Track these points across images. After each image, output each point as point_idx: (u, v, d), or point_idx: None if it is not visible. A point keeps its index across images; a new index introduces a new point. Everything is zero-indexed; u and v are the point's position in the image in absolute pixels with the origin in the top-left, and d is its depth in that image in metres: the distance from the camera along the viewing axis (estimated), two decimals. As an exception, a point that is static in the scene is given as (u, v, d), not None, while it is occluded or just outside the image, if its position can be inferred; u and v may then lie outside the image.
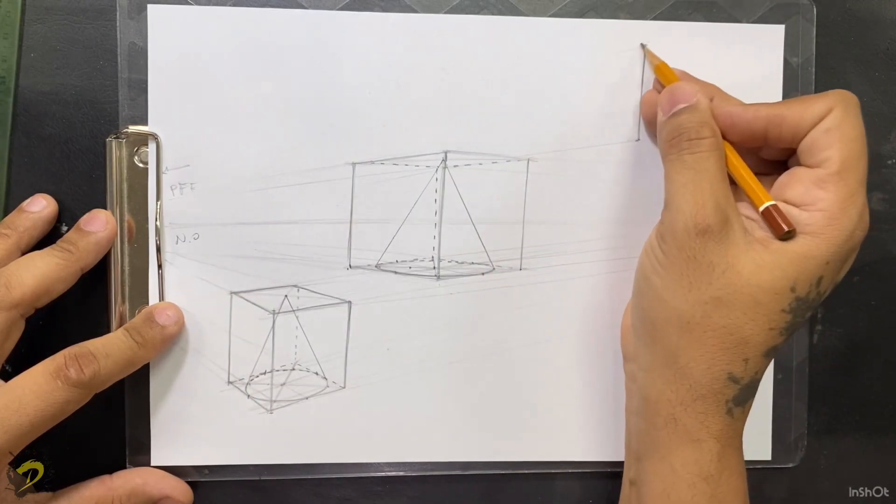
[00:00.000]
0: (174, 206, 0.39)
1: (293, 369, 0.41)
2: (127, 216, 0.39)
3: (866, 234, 0.34)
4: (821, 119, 0.34)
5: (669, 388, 0.35)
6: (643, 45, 0.40)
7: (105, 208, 0.39)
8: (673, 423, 0.35)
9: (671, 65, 0.39)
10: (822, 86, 0.42)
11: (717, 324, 0.33)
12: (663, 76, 0.39)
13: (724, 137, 0.36)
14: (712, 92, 0.37)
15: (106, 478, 0.39)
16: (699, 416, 0.34)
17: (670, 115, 0.36)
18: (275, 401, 0.40)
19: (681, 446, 0.34)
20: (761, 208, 0.34)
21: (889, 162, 0.43)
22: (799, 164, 0.35)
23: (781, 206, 0.34)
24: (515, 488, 0.42)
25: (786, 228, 0.33)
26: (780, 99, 0.41)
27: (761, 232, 0.34)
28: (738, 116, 0.36)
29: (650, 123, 0.40)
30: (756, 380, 0.35)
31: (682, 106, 0.36)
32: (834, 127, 0.34)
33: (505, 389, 0.41)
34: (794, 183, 0.34)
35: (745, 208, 0.35)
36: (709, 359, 0.34)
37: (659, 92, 0.39)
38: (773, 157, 0.37)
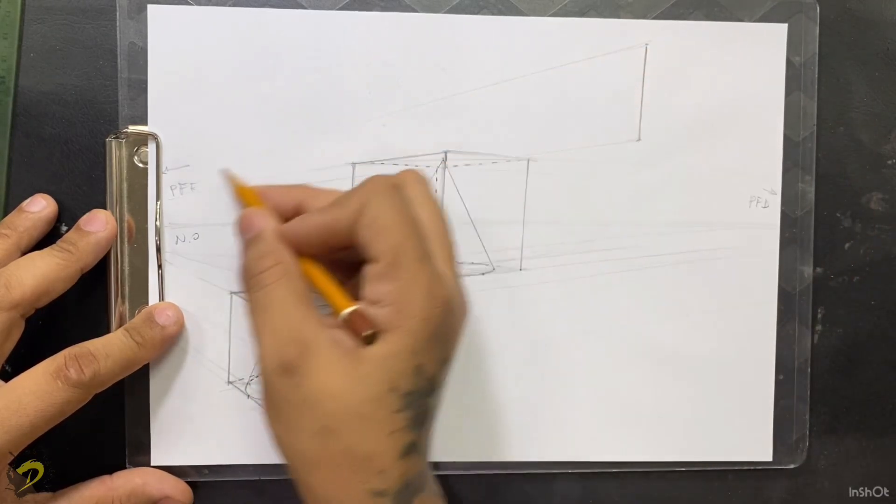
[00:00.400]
0: (174, 206, 0.39)
1: (293, 369, 0.41)
2: (127, 216, 0.39)
3: (447, 306, 0.32)
4: (358, 217, 0.33)
5: None
6: (225, 172, 0.39)
7: (105, 208, 0.39)
8: None
9: (672, 66, 0.39)
10: (822, 86, 0.42)
11: (336, 451, 0.31)
12: (245, 200, 0.37)
13: (304, 253, 0.34)
14: (297, 196, 0.36)
15: (106, 478, 0.39)
16: None
17: (244, 250, 0.35)
18: (275, 401, 0.40)
19: None
20: (340, 316, 0.32)
21: (889, 162, 0.43)
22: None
23: (365, 308, 0.32)
24: (515, 488, 0.42)
25: (363, 333, 0.32)
26: (781, 99, 0.41)
27: (352, 342, 0.32)
28: (295, 236, 0.34)
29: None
30: (408, 479, 0.32)
31: (248, 236, 0.35)
32: (370, 221, 0.32)
33: (505, 389, 0.41)
34: (365, 283, 0.33)
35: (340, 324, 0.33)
36: (346, 487, 0.32)
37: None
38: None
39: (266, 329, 0.33)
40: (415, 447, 0.32)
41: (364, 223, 0.33)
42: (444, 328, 0.32)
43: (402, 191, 0.34)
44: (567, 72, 0.40)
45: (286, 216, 0.36)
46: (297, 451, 0.32)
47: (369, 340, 0.32)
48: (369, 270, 0.33)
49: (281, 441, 0.33)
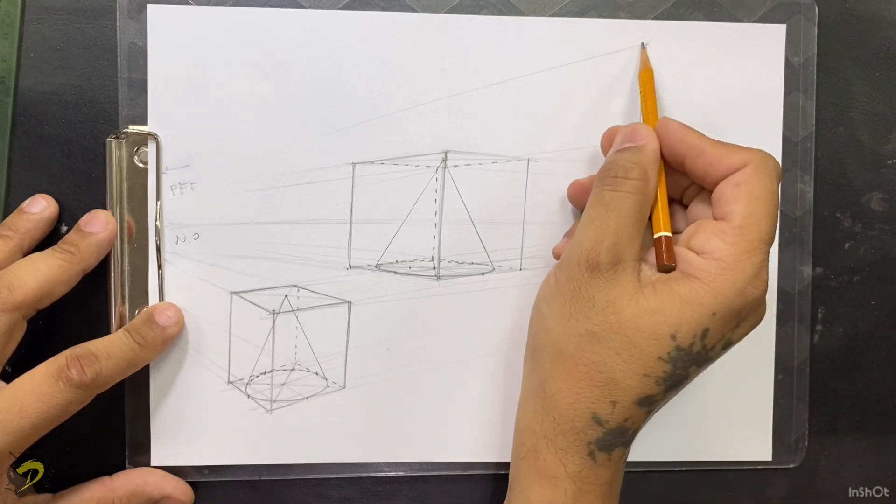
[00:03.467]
0: (174, 206, 0.39)
1: (293, 369, 0.41)
2: (127, 216, 0.39)
3: (762, 295, 0.33)
4: (733, 171, 0.33)
5: (536, 418, 0.34)
6: (643, 45, 0.40)
7: (105, 208, 0.39)
8: (534, 456, 0.34)
9: (672, 66, 0.39)
10: (822, 86, 0.42)
11: (588, 358, 0.33)
12: (644, 85, 0.39)
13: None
14: (683, 150, 0.35)
15: (106, 478, 0.39)
16: (559, 451, 0.34)
17: (615, 151, 0.36)
18: (275, 401, 0.41)
19: (538, 482, 0.34)
20: (655, 236, 0.34)
21: (889, 162, 0.43)
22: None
23: (681, 251, 0.34)
24: (515, 488, 0.42)
25: (665, 261, 0.33)
26: (780, 99, 0.41)
27: (656, 275, 0.34)
28: (673, 133, 0.35)
29: (577, 203, 0.40)
30: (626, 428, 0.34)
31: (628, 145, 0.35)
32: (743, 182, 0.33)
33: (505, 389, 0.41)
34: (699, 231, 0.34)
35: (651, 252, 0.35)
36: (575, 393, 0.33)
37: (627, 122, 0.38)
38: (683, 190, 0.37)
39: (597, 224, 0.34)
40: (650, 402, 0.33)
41: (734, 180, 0.33)
42: (745, 314, 0.33)
43: (779, 172, 0.34)
44: (567, 72, 0.40)
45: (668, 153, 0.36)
46: (555, 337, 0.34)
47: (663, 269, 0.33)
48: (710, 224, 0.34)
49: (546, 321, 0.35)
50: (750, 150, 0.34)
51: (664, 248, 0.34)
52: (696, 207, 0.36)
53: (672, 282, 0.33)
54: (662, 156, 0.36)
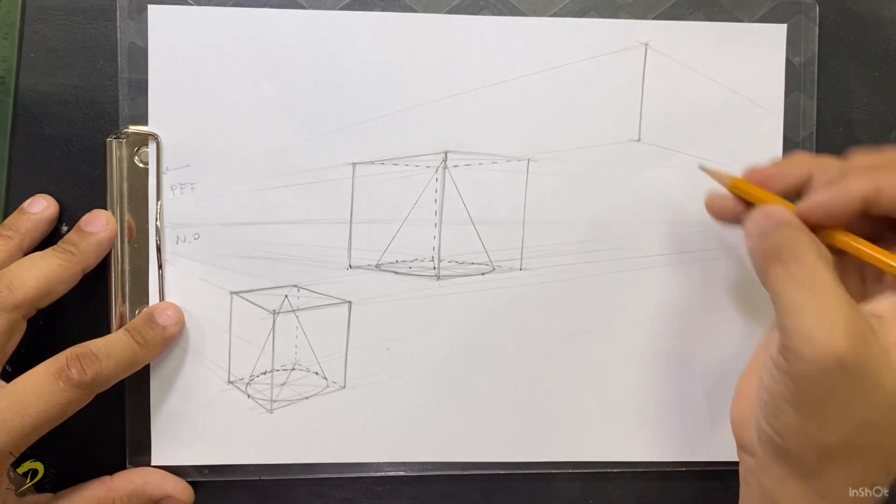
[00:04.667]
0: (174, 206, 0.39)
1: (293, 369, 0.41)
2: (127, 216, 0.39)
3: None
4: None
5: (805, 499, 0.31)
6: (702, 169, 0.37)
7: (105, 208, 0.39)
8: None
9: (672, 66, 0.39)
10: (822, 86, 0.42)
11: (860, 445, 0.30)
12: (742, 192, 0.35)
13: (823, 227, 0.32)
14: (805, 166, 0.33)
15: (106, 478, 0.39)
16: None
17: (761, 236, 0.32)
18: (275, 401, 0.41)
19: None
20: None
21: (889, 162, 0.43)
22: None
23: None
24: (515, 488, 0.42)
25: None
26: (781, 99, 0.41)
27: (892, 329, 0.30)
28: (832, 204, 0.31)
29: (721, 218, 0.37)
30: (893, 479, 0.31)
31: (767, 230, 0.32)
32: None
33: (505, 389, 0.41)
34: None
35: (868, 304, 0.31)
36: (852, 480, 0.30)
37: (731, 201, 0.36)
38: (869, 229, 0.33)
39: (814, 310, 0.29)
40: None
41: None
42: None
43: None
44: (567, 72, 0.40)
45: (789, 193, 0.33)
46: (820, 440, 0.30)
47: None
48: None
49: (798, 425, 0.30)
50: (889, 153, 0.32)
51: None
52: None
53: None
54: (833, 225, 0.32)
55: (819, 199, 0.32)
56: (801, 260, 0.30)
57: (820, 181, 0.33)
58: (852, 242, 0.32)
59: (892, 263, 0.31)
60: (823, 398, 0.29)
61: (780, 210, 0.32)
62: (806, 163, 0.34)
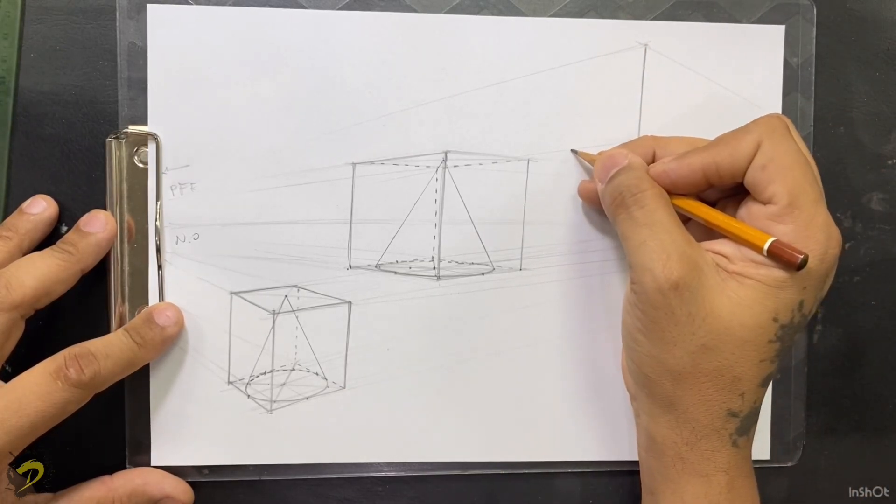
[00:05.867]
0: (174, 206, 0.39)
1: (293, 369, 0.41)
2: (127, 216, 0.39)
3: (840, 247, 0.34)
4: (752, 157, 0.34)
5: (672, 431, 0.35)
6: (574, 152, 0.40)
7: (105, 208, 0.39)
8: (680, 462, 0.35)
9: (671, 67, 0.39)
10: (822, 86, 0.42)
11: (707, 369, 0.34)
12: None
13: (670, 193, 0.36)
14: (648, 146, 0.38)
15: (106, 478, 0.39)
16: (705, 453, 0.35)
17: (607, 182, 0.36)
18: (275, 401, 0.41)
19: (690, 481, 0.35)
20: (766, 247, 0.33)
21: (889, 162, 0.43)
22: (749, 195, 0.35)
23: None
24: (515, 488, 0.42)
25: (797, 259, 0.32)
26: (779, 99, 0.41)
27: (735, 265, 0.34)
28: (674, 172, 0.35)
29: (591, 203, 0.40)
30: (756, 408, 0.35)
31: (615, 170, 0.36)
32: (768, 162, 0.33)
33: (505, 389, 0.41)
34: (752, 220, 0.34)
35: (713, 244, 0.35)
36: (706, 402, 0.34)
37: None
38: (721, 194, 0.37)
39: (652, 245, 0.34)
40: (769, 378, 0.35)
41: (759, 164, 0.33)
42: (831, 271, 0.34)
43: (792, 131, 0.34)
44: (567, 72, 0.40)
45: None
46: (667, 364, 0.34)
47: (801, 266, 0.32)
48: (760, 210, 0.34)
49: (650, 351, 0.35)
50: (751, 127, 0.34)
51: (785, 250, 0.32)
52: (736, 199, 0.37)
53: (753, 270, 0.33)
54: (680, 193, 0.36)
55: (663, 167, 0.36)
56: (641, 203, 0.35)
57: (661, 157, 0.37)
58: (710, 212, 0.35)
59: (760, 236, 0.33)
60: (665, 322, 0.33)
61: (622, 153, 0.36)
62: (650, 143, 0.38)
